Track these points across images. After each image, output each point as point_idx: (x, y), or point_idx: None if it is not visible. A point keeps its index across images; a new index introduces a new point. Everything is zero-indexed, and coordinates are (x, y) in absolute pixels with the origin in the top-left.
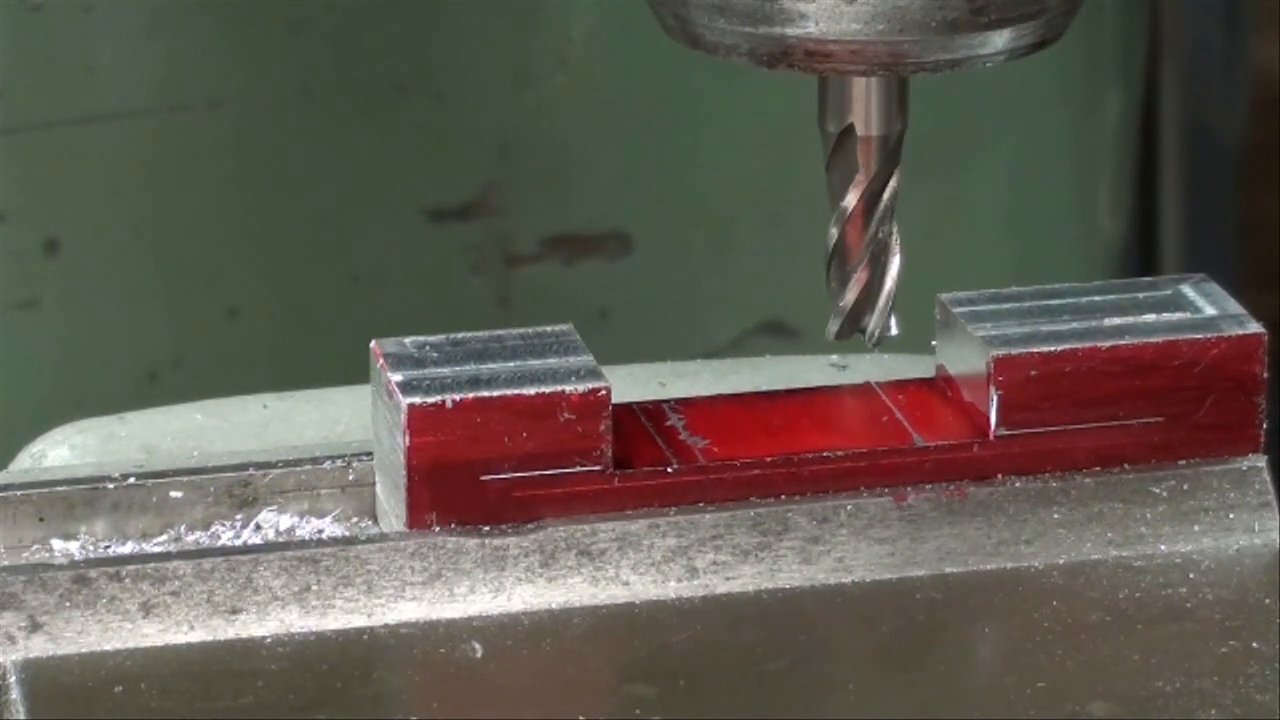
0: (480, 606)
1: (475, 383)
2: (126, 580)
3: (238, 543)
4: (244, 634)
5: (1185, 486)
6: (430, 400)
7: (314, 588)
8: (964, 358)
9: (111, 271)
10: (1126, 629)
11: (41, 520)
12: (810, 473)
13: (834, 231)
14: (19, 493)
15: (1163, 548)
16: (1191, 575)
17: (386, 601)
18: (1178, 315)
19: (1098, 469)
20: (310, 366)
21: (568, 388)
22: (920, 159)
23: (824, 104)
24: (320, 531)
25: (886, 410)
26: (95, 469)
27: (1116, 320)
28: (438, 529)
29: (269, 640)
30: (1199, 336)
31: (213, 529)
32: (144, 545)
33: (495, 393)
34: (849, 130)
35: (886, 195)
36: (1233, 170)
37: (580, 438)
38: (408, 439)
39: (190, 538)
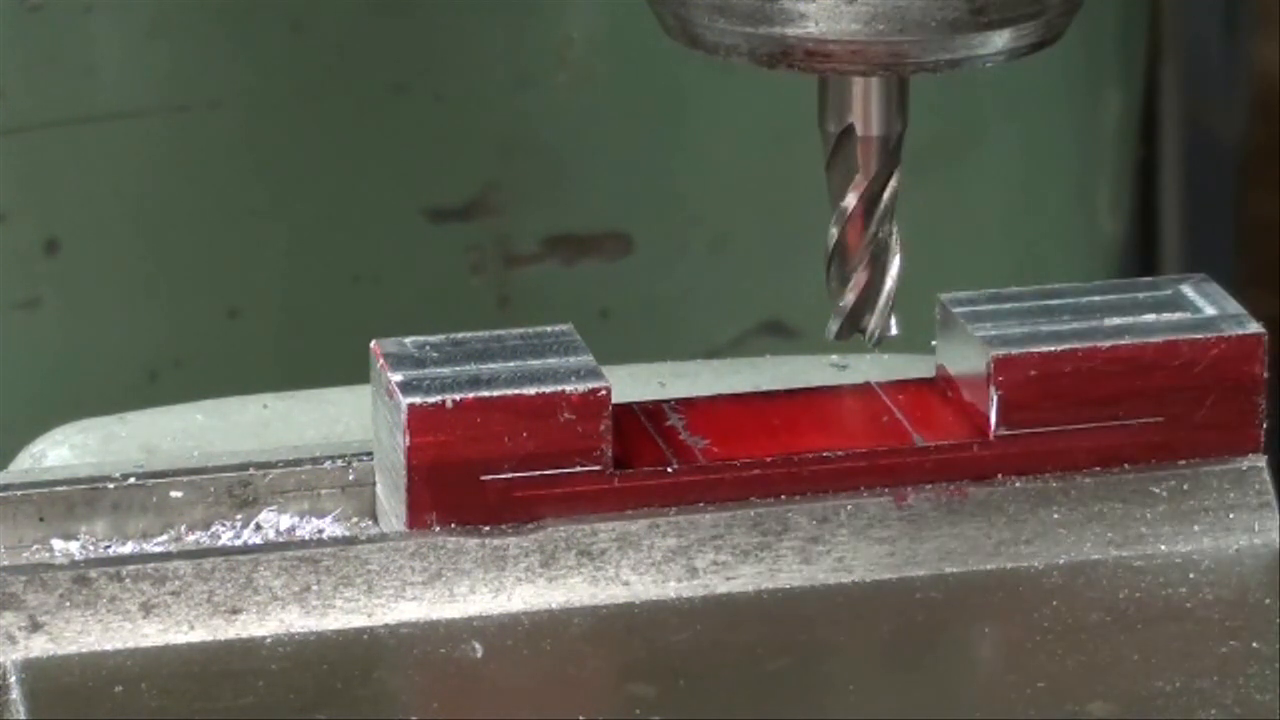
0: (480, 606)
1: (475, 383)
2: (126, 580)
3: (238, 543)
4: (244, 634)
5: (1185, 486)
6: (430, 400)
7: (314, 588)
8: (964, 358)
9: (111, 271)
10: (1126, 629)
11: (41, 520)
12: (810, 473)
13: (834, 231)
14: (19, 493)
15: (1163, 548)
16: (1191, 575)
17: (386, 601)
18: (1178, 315)
19: (1098, 469)
20: (310, 366)
21: (568, 388)
22: (920, 159)
23: (824, 104)
24: (320, 531)
25: (886, 410)
26: (95, 469)
27: (1116, 320)
28: (438, 529)
29: (269, 640)
30: (1199, 336)
31: (213, 529)
32: (144, 545)
33: (495, 393)
34: (849, 130)
35: (886, 195)
36: (1233, 170)
37: (580, 438)
38: (408, 439)
39: (190, 538)
